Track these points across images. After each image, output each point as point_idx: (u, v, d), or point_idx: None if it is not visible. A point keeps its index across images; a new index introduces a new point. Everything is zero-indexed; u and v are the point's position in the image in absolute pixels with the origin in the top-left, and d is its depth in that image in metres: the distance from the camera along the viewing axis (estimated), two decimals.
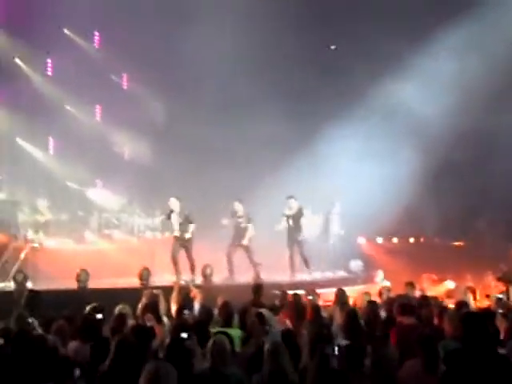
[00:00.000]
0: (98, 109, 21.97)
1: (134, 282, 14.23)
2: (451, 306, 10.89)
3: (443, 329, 8.18)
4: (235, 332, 8.34)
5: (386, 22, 19.47)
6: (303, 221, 17.10)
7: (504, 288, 13.35)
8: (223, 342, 6.52)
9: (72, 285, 13.37)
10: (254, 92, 18.97)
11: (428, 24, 19.50)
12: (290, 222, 16.89)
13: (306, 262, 17.10)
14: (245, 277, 15.95)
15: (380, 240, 22.15)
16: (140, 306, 9.84)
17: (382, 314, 9.62)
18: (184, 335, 6.56)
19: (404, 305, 8.63)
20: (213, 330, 8.37)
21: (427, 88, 19.74)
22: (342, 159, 19.73)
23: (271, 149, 19.84)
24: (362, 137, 19.69)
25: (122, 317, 8.38)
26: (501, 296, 11.94)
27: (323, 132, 19.85)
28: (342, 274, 18.67)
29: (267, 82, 19.58)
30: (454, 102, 19.15)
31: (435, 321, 8.93)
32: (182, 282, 12.11)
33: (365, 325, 8.52)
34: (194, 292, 10.99)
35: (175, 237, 15.51)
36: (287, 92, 20.59)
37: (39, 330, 8.06)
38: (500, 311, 9.48)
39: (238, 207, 16.41)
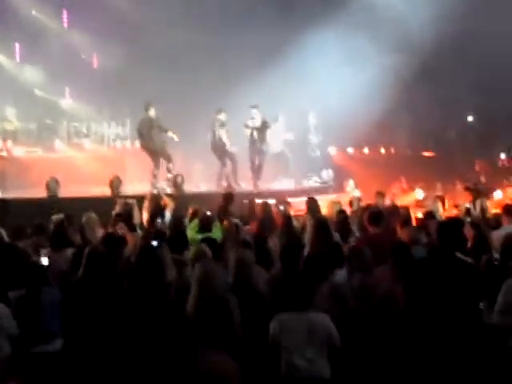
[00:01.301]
0: (65, 15, 21.36)
1: (104, 190, 14.19)
2: (420, 215, 11.04)
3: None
4: (217, 236, 8.44)
5: None
6: (268, 132, 16.83)
7: (470, 198, 13.47)
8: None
9: (41, 194, 13.28)
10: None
11: None
12: (254, 132, 16.51)
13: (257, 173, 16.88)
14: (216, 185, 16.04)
15: (351, 150, 22.19)
16: (113, 214, 9.83)
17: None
18: (154, 243, 6.57)
19: (373, 214, 8.68)
20: (197, 235, 8.47)
21: None
22: (316, 66, 19.53)
23: (247, 55, 19.50)
24: (336, 44, 19.38)
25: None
26: (468, 206, 12.08)
27: (299, 38, 19.55)
28: (313, 183, 18.77)
29: None
30: (437, 9, 18.86)
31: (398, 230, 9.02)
32: (155, 191, 12.06)
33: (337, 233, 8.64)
34: (166, 200, 10.97)
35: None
36: None
37: (6, 239, 8.03)
38: (468, 220, 9.61)
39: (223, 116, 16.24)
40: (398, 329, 6.05)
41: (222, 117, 16.08)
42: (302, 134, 19.27)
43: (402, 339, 5.89)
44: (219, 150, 16.22)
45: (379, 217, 8.59)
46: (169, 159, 15.27)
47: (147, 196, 11.52)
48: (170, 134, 15.25)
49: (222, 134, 16.09)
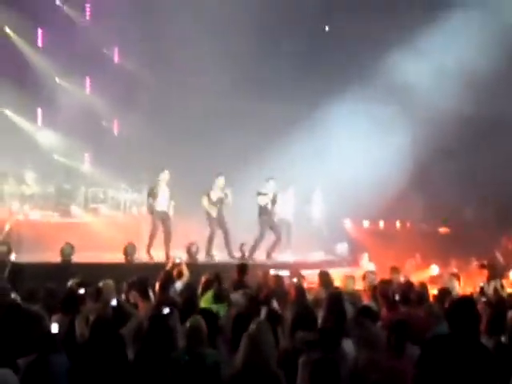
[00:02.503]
0: (87, 81, 21.80)
1: (119, 257, 14.20)
2: (434, 292, 10.94)
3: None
4: (221, 308, 8.36)
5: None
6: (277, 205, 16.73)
7: (486, 277, 13.37)
8: (198, 323, 6.48)
9: (56, 258, 13.30)
10: (246, 68, 18.94)
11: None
12: (269, 204, 16.40)
13: (275, 245, 16.70)
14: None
15: (366, 223, 22.15)
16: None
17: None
18: (166, 311, 6.54)
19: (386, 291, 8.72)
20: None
21: (429, 70, 19.61)
22: (334, 140, 19.72)
23: (257, 127, 19.75)
24: (355, 117, 19.59)
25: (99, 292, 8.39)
26: (483, 284, 11.97)
27: (313, 111, 19.79)
28: (327, 256, 18.68)
29: (259, 60, 19.53)
30: (453, 87, 19.09)
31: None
32: (177, 260, 12.03)
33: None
34: (183, 270, 10.93)
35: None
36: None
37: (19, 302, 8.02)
38: (483, 299, 9.51)
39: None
40: None
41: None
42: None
43: None
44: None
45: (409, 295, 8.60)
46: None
47: (169, 263, 11.55)
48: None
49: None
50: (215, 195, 15.90)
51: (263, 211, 16.31)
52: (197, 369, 6.03)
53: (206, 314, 7.09)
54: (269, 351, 5.80)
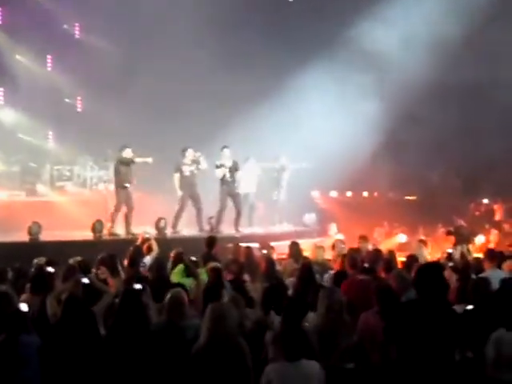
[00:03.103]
0: (49, 59, 21.48)
1: (86, 234, 14.14)
2: (402, 259, 11.06)
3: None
4: (189, 281, 8.39)
5: None
6: (239, 174, 16.56)
7: (453, 243, 13.54)
8: (180, 295, 6.51)
9: (24, 237, 13.22)
10: (215, 40, 18.87)
11: None
12: (227, 174, 16.13)
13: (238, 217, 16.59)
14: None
15: (334, 194, 22.26)
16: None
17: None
18: (138, 286, 6.53)
19: (354, 259, 8.81)
20: (183, 280, 8.44)
21: (398, 37, 19.60)
22: (301, 110, 19.73)
23: (226, 99, 19.69)
24: (320, 88, 19.58)
25: (71, 269, 8.34)
26: (451, 250, 12.12)
27: (284, 81, 19.75)
28: (296, 227, 18.73)
29: (229, 29, 19.48)
30: (421, 54, 19.16)
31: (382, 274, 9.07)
32: (146, 235, 12.02)
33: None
34: (152, 244, 10.91)
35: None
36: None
37: None
38: (450, 264, 9.64)
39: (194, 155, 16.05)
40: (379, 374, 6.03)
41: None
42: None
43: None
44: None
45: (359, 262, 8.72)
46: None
47: (139, 239, 11.52)
48: (141, 159, 15.12)
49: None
50: (187, 169, 15.80)
51: (222, 182, 16.14)
52: (177, 341, 6.03)
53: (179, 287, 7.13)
54: (232, 323, 5.83)
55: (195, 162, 15.83)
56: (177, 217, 15.80)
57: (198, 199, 15.95)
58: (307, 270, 8.50)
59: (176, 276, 8.93)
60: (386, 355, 6.05)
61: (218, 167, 16.05)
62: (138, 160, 14.98)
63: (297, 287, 8.19)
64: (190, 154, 15.84)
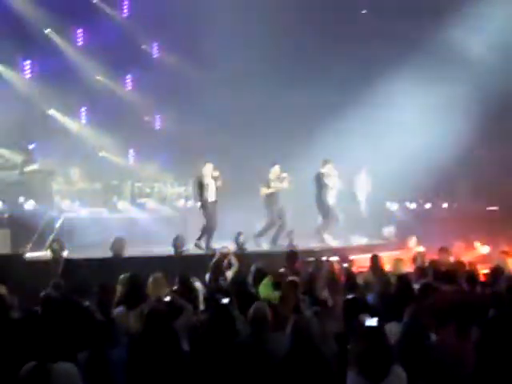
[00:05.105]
0: (128, 78, 22.03)
1: (167, 250, 14.33)
2: (485, 271, 10.85)
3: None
4: (276, 295, 8.43)
5: None
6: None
7: None
8: (263, 307, 6.56)
9: (107, 253, 13.49)
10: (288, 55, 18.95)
11: None
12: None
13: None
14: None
15: (413, 205, 22.01)
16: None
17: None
18: (225, 301, 6.59)
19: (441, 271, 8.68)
20: (272, 293, 8.48)
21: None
22: (376, 125, 19.63)
23: (304, 113, 19.77)
24: (399, 97, 19.44)
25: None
26: None
27: (359, 91, 19.71)
28: (375, 239, 18.57)
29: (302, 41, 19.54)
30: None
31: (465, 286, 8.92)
32: (225, 250, 12.12)
33: None
34: (232, 260, 10.99)
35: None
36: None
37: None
38: None
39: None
40: None
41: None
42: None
43: None
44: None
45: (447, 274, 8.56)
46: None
47: (217, 254, 11.60)
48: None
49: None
50: (274, 185, 15.96)
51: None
52: (261, 353, 6.08)
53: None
54: (315, 334, 5.83)
55: (279, 179, 16.00)
56: (265, 230, 15.99)
57: (284, 214, 16.11)
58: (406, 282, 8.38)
59: (264, 289, 8.95)
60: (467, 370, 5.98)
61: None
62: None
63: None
64: (276, 170, 16.05)
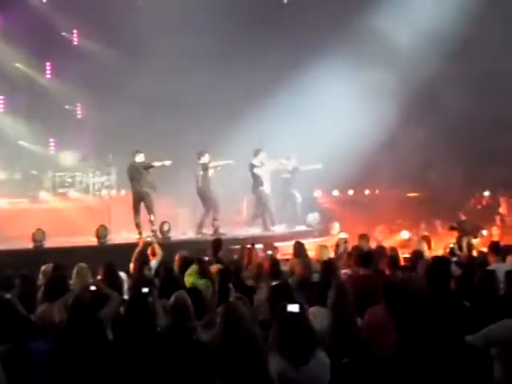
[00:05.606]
0: (48, 66, 21.54)
1: (90, 240, 14.17)
2: (406, 255, 11.10)
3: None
4: (202, 282, 8.43)
5: None
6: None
7: (456, 237, 13.55)
8: (183, 296, 6.54)
9: (28, 244, 13.25)
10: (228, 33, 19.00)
11: None
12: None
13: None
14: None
15: (336, 192, 22.27)
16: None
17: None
18: (145, 290, 6.56)
19: (362, 255, 8.84)
20: (198, 281, 8.46)
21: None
22: (303, 112, 19.77)
23: (235, 95, 19.75)
24: (322, 85, 19.59)
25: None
26: (453, 245, 12.14)
27: (288, 77, 19.79)
28: (299, 227, 18.71)
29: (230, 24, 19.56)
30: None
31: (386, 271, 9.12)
32: (148, 239, 12.04)
33: None
34: (156, 249, 10.92)
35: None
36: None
37: None
38: (454, 259, 9.67)
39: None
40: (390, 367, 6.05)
41: (204, 160, 16.01)
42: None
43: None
44: (200, 195, 16.17)
45: (368, 258, 8.71)
46: (150, 210, 15.04)
47: (140, 244, 11.48)
48: (160, 163, 15.04)
49: (205, 178, 16.03)
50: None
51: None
52: (185, 342, 6.06)
53: (193, 291, 7.17)
54: (247, 319, 5.83)
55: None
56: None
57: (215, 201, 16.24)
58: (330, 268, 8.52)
59: (190, 277, 8.92)
60: (391, 348, 6.10)
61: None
62: (156, 164, 14.96)
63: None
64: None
